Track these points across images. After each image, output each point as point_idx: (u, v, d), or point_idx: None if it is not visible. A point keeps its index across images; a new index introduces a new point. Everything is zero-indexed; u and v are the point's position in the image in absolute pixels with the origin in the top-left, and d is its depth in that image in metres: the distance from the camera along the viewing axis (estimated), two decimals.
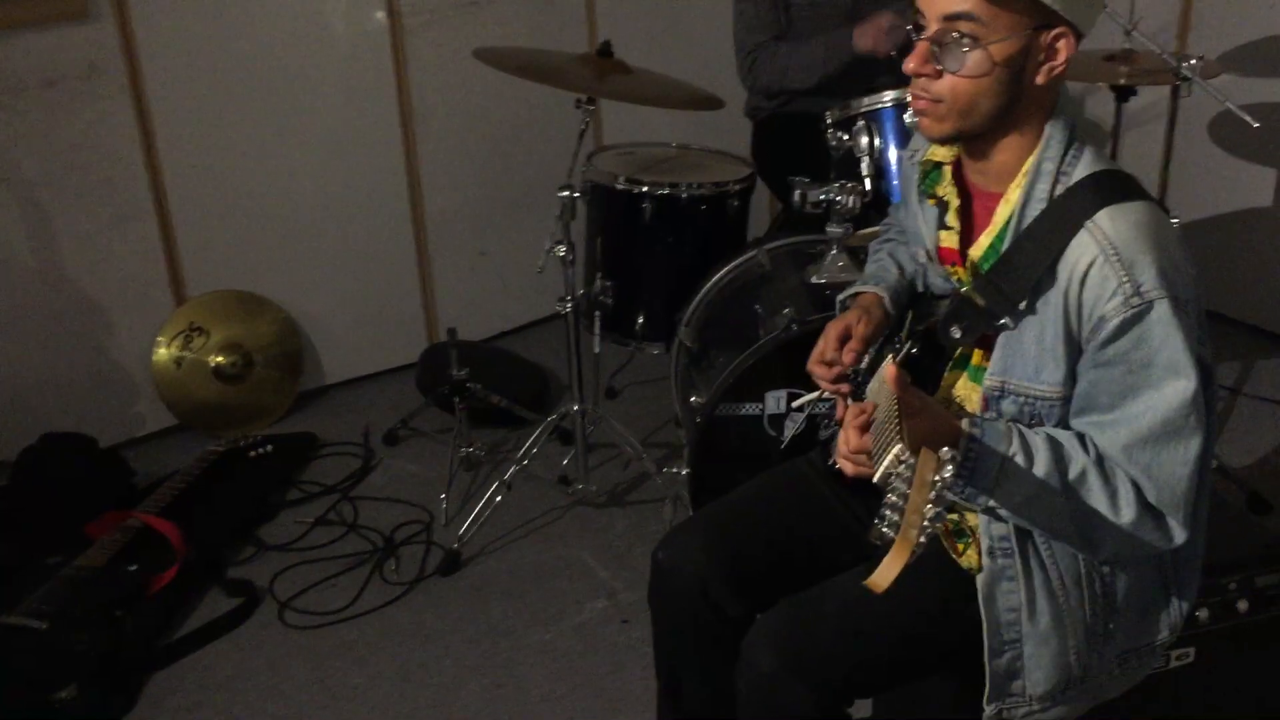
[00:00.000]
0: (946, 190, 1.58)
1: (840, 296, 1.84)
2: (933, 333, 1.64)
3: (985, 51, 1.39)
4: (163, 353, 3.14)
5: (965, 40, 1.38)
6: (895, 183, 2.39)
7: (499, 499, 2.69)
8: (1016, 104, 1.43)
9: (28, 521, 2.66)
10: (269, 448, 3.00)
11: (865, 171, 2.38)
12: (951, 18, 1.38)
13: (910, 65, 1.43)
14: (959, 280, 1.60)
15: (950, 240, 1.59)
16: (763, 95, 3.11)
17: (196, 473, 2.84)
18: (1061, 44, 1.41)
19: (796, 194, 2.32)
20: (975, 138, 1.47)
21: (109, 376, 3.10)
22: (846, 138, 2.41)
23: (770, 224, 3.44)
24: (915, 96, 1.45)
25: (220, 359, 3.18)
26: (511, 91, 3.12)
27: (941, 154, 1.59)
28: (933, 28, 1.40)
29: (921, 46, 1.41)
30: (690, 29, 3.66)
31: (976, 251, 1.52)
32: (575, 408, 2.74)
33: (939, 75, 1.41)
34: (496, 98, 3.38)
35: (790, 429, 2.22)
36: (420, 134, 3.37)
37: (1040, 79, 1.42)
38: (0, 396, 2.93)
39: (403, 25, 3.25)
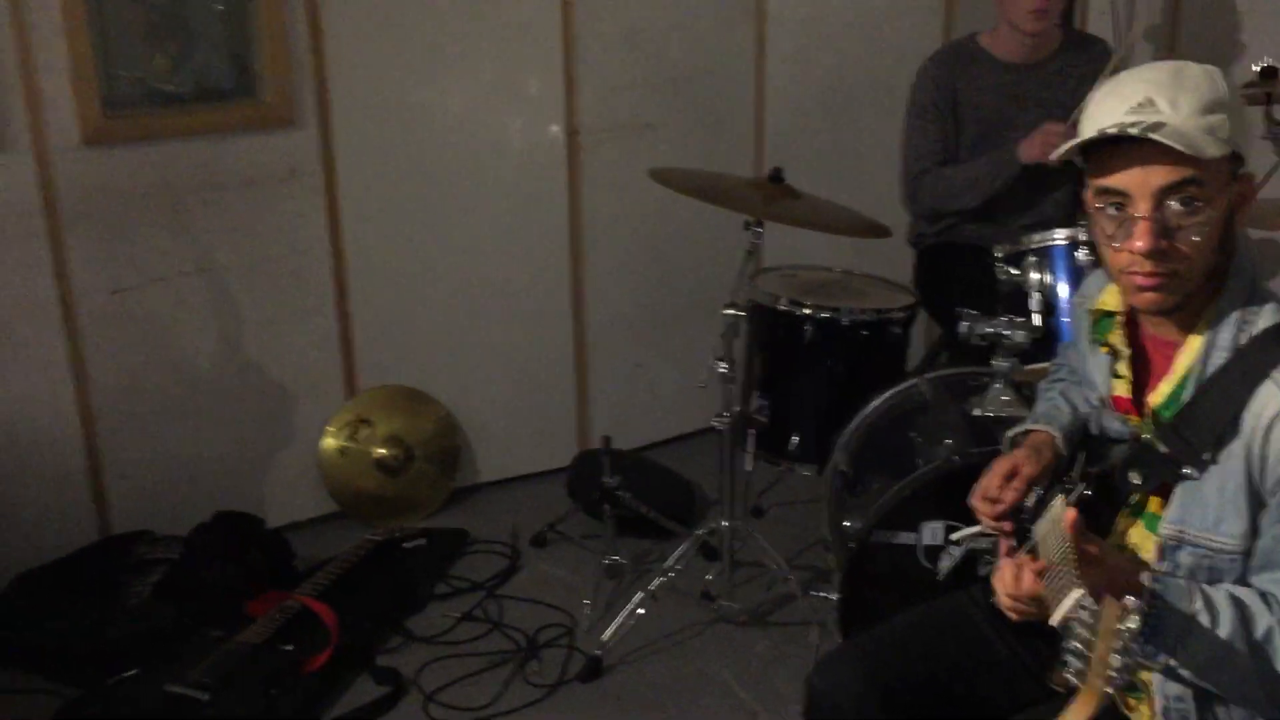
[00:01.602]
0: (1117, 340, 1.58)
1: (1010, 433, 1.83)
2: (1107, 476, 1.62)
3: (1211, 210, 1.39)
4: (330, 441, 3.28)
5: (1195, 205, 1.38)
6: (1065, 321, 2.37)
7: (642, 610, 2.70)
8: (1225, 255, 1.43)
9: (195, 593, 2.78)
10: (422, 540, 3.09)
11: (1034, 308, 2.37)
12: (1175, 187, 1.38)
13: (1142, 245, 1.40)
14: (1137, 426, 1.58)
15: (1122, 389, 1.58)
16: (926, 219, 3.14)
17: (353, 560, 2.94)
18: (1248, 184, 1.41)
19: (963, 325, 2.32)
20: None
21: (279, 460, 3.25)
22: (1016, 272, 2.41)
23: (928, 351, 3.43)
24: (1146, 275, 1.42)
25: (383, 451, 3.31)
26: (678, 210, 3.21)
27: (1112, 303, 1.59)
28: (1148, 204, 1.39)
29: (1144, 226, 1.39)
30: (857, 156, 3.73)
31: (1157, 399, 1.51)
32: (724, 524, 2.76)
33: (1173, 249, 1.40)
34: (663, 215, 3.49)
35: (947, 562, 2.19)
36: (588, 245, 3.49)
37: (1239, 224, 1.42)
38: (178, 472, 3.10)
39: (579, 142, 3.40)
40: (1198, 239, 1.39)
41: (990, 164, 2.91)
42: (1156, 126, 1.37)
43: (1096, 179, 1.45)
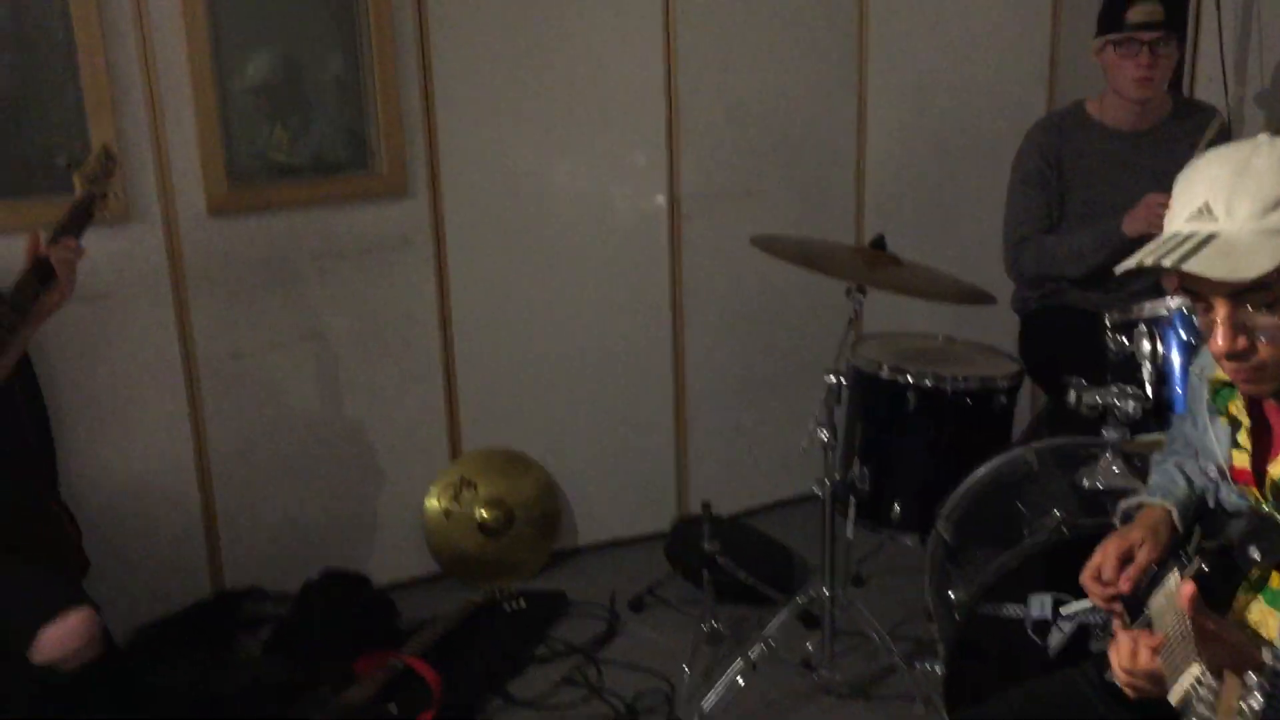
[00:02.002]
0: (1238, 409, 1.55)
1: (1123, 504, 1.79)
2: (1225, 551, 1.58)
3: None
4: (434, 503, 3.34)
5: (1270, 305, 1.36)
6: (1179, 391, 2.33)
7: (741, 678, 2.68)
8: None
9: (303, 650, 2.84)
10: (522, 603, 3.12)
11: (1146, 378, 2.33)
12: (1244, 293, 1.37)
13: (1218, 348, 1.40)
14: (1257, 499, 1.54)
15: (1242, 460, 1.54)
16: (1030, 284, 3.11)
17: (456, 621, 2.97)
18: None
19: (1073, 394, 2.29)
20: None
21: (384, 520, 3.32)
22: (1127, 341, 2.37)
23: (1033, 419, 3.38)
24: (1234, 371, 1.43)
25: (485, 513, 3.35)
26: (779, 276, 3.23)
27: None
28: (1223, 308, 1.39)
29: (1220, 329, 1.39)
30: (959, 223, 3.72)
31: (1277, 469, 1.47)
32: (825, 591, 2.73)
33: (1254, 346, 1.39)
34: (764, 280, 3.51)
35: (1057, 637, 2.14)
36: (689, 310, 3.53)
37: None
38: (289, 530, 3.18)
39: (681, 210, 3.45)
40: (1272, 339, 1.37)
41: (1095, 236, 2.88)
42: (1207, 240, 1.36)
43: (1177, 275, 1.43)
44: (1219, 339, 1.39)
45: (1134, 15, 2.85)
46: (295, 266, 3.07)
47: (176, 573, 3.05)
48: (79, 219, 2.27)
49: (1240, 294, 1.37)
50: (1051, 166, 3.00)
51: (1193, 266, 1.33)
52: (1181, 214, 1.41)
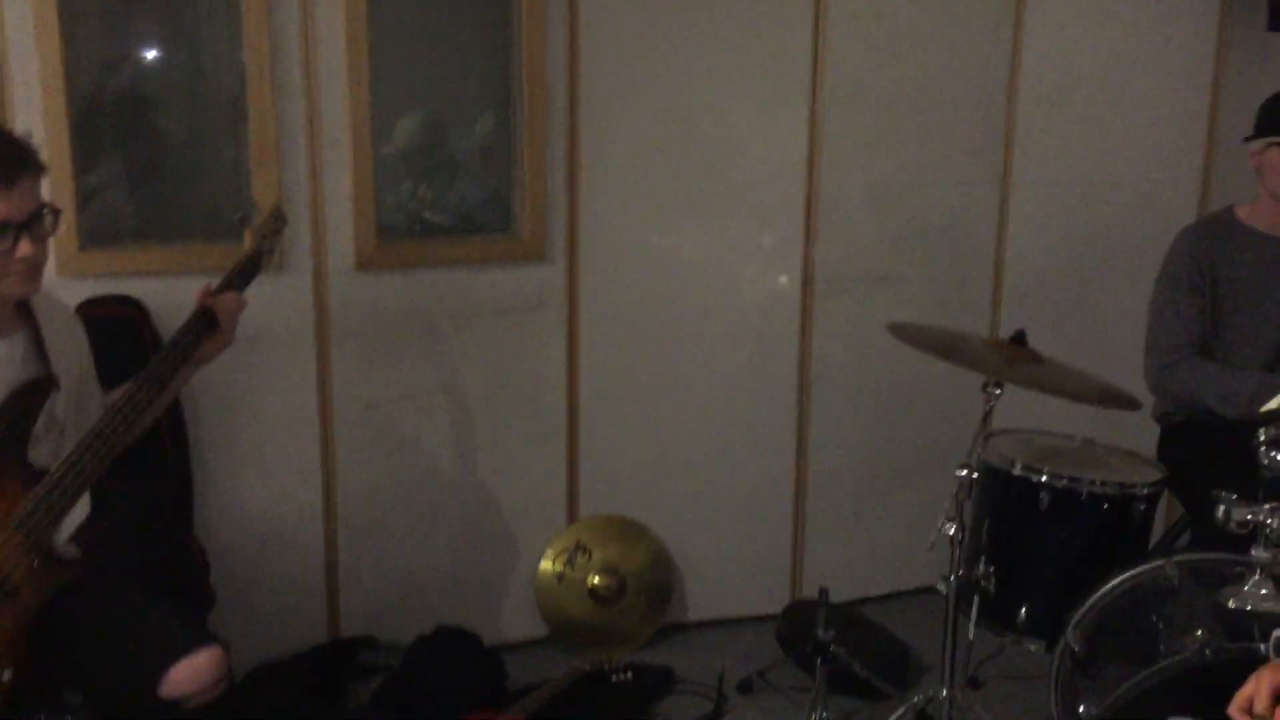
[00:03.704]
0: None
1: (1278, 634, 1.71)
2: None
3: None
4: (548, 566, 3.35)
5: None
6: None
7: None
8: None
9: (412, 704, 2.86)
10: (629, 675, 3.09)
11: None
12: None
13: None
14: None
15: None
16: (1172, 401, 3.01)
17: (562, 687, 2.96)
18: None
19: (1221, 510, 2.19)
20: None
21: (498, 580, 3.34)
22: None
23: (1168, 530, 3.25)
24: None
25: (598, 580, 3.35)
26: (911, 364, 3.19)
27: None
28: None
29: None
30: (1099, 322, 3.64)
31: None
32: (944, 693, 2.65)
33: None
34: (895, 367, 3.47)
35: None
36: (816, 391, 3.50)
37: None
38: (406, 582, 3.22)
39: (814, 292, 3.44)
40: None
41: (1257, 384, 2.76)
42: None
43: None
44: None
45: None
46: (433, 322, 3.14)
47: (296, 615, 3.11)
48: (246, 272, 2.37)
49: None
50: (1203, 273, 2.91)
51: None
52: None
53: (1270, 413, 1.36)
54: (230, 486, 3.01)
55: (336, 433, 3.09)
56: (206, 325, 2.24)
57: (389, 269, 3.08)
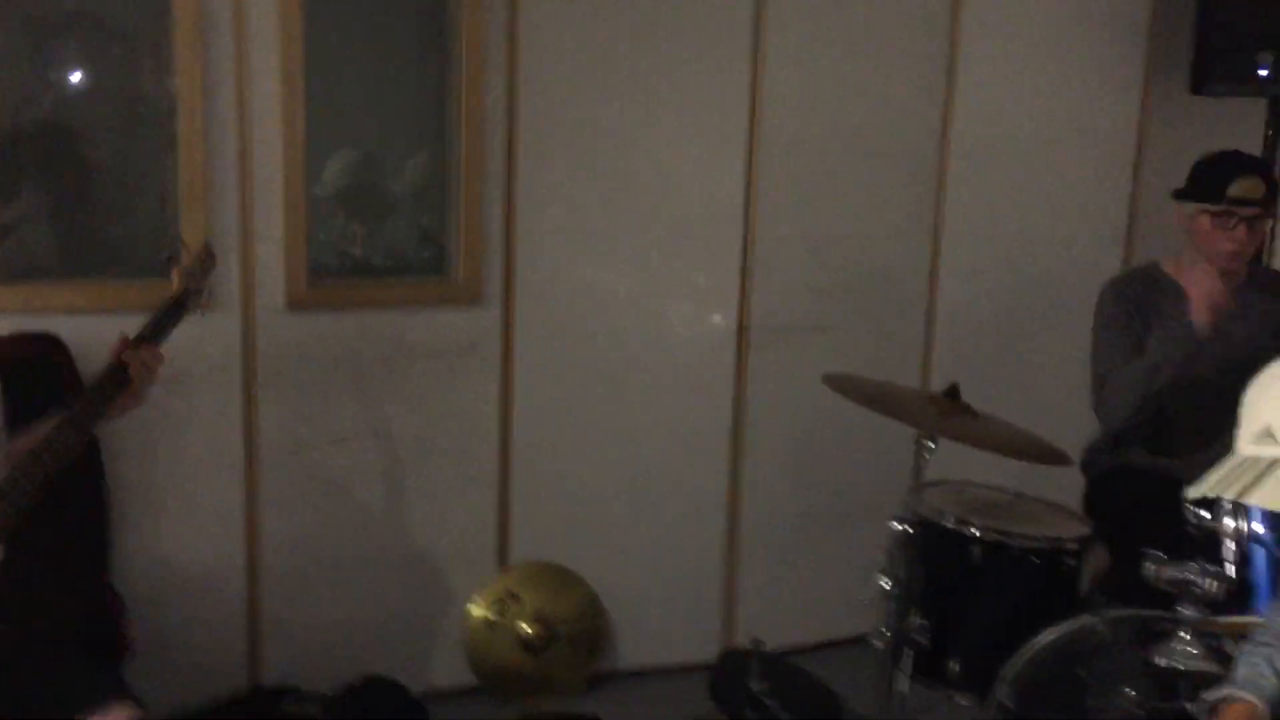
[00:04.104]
0: None
1: (1207, 696, 1.73)
2: None
3: None
4: (478, 613, 3.28)
5: None
6: (1262, 579, 2.26)
7: None
8: None
9: None
10: None
11: (1228, 557, 2.26)
12: None
13: None
14: None
15: None
16: (1102, 440, 3.07)
17: None
18: None
19: (1150, 568, 2.22)
20: None
21: (427, 627, 3.27)
22: (1208, 516, 2.31)
23: (1093, 581, 3.29)
24: None
25: (528, 628, 3.29)
26: (844, 414, 3.20)
27: None
28: None
29: None
30: (1027, 377, 3.69)
31: None
32: None
33: None
34: (828, 418, 3.45)
35: None
36: (749, 440, 3.50)
37: None
38: (331, 630, 3.15)
39: (749, 340, 3.45)
40: None
41: (1161, 342, 2.86)
42: (1270, 467, 1.37)
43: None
44: None
45: (1236, 189, 2.84)
46: (364, 366, 3.09)
47: (216, 664, 3.02)
48: (171, 315, 2.29)
49: None
50: (1133, 315, 2.98)
51: (1254, 499, 1.33)
52: (1246, 436, 1.40)
53: (1198, 499, 1.41)
54: (150, 531, 2.92)
55: (262, 476, 3.01)
56: (119, 383, 2.15)
57: (320, 309, 3.02)
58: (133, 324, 2.26)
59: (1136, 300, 3.00)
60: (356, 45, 3.16)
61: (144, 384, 2.19)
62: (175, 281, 2.33)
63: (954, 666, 2.67)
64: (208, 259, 2.47)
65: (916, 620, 2.70)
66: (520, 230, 3.18)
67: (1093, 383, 3.05)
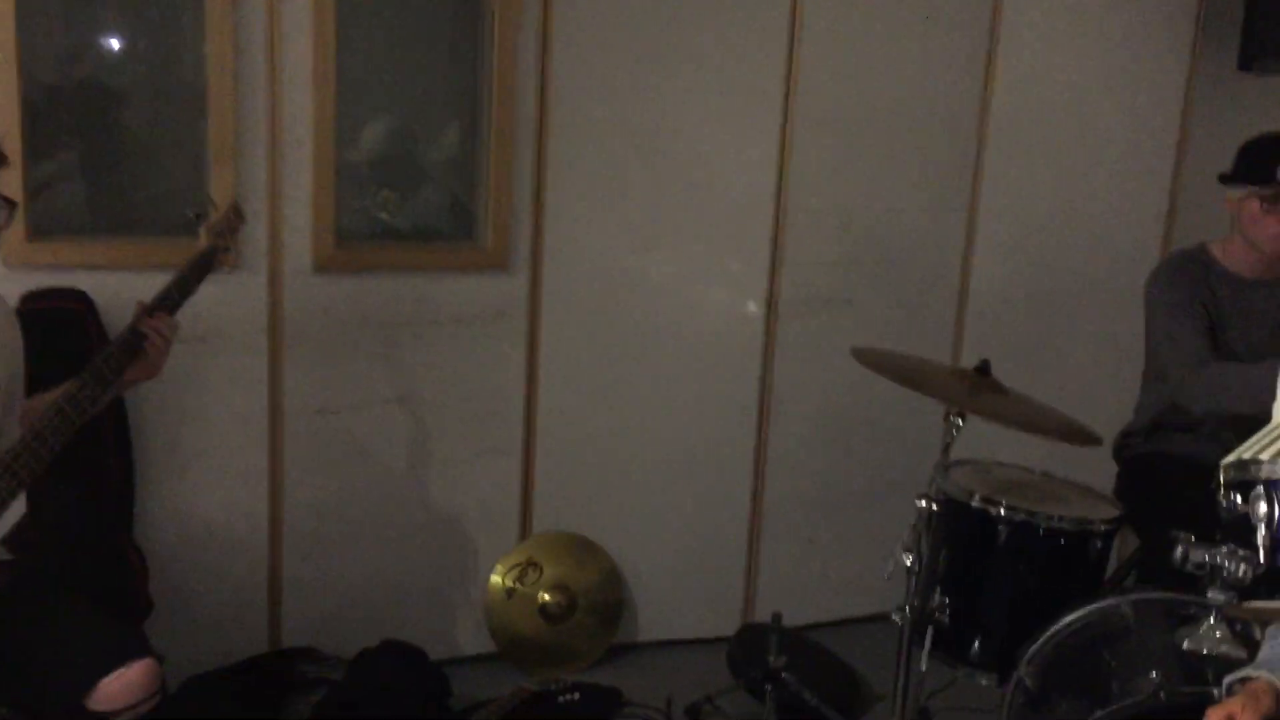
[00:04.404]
0: None
1: (1229, 679, 1.70)
2: None
3: None
4: (498, 581, 3.29)
5: None
6: None
7: None
8: None
9: (353, 717, 2.78)
10: (576, 696, 3.03)
11: (1261, 542, 2.21)
12: None
13: None
14: None
15: None
16: (1143, 429, 3.01)
17: (509, 707, 2.89)
18: None
19: (1179, 550, 2.18)
20: None
21: (447, 594, 3.27)
22: (1241, 501, 2.26)
23: (1122, 565, 3.25)
24: None
25: (548, 597, 3.30)
26: (873, 389, 3.17)
27: None
28: None
29: None
30: (1061, 354, 3.64)
31: None
32: None
33: None
34: (856, 393, 3.45)
35: None
36: (775, 414, 3.47)
37: None
38: (352, 594, 3.15)
39: (778, 312, 3.42)
40: None
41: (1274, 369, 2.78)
42: None
43: None
44: None
45: None
46: (391, 330, 3.08)
47: (236, 625, 3.03)
48: (196, 272, 2.28)
49: None
50: (1200, 299, 2.88)
51: None
52: None
53: (1229, 465, 1.36)
54: (173, 490, 2.93)
55: (287, 438, 3.02)
56: (133, 349, 2.14)
57: (347, 272, 3.01)
58: (161, 281, 2.25)
59: (1194, 282, 2.91)
60: (391, 13, 3.14)
61: (159, 355, 2.17)
62: (202, 238, 2.33)
63: (975, 645, 2.65)
64: (235, 217, 2.47)
65: (939, 598, 2.68)
66: (550, 201, 3.16)
67: (1176, 363, 2.88)
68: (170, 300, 2.22)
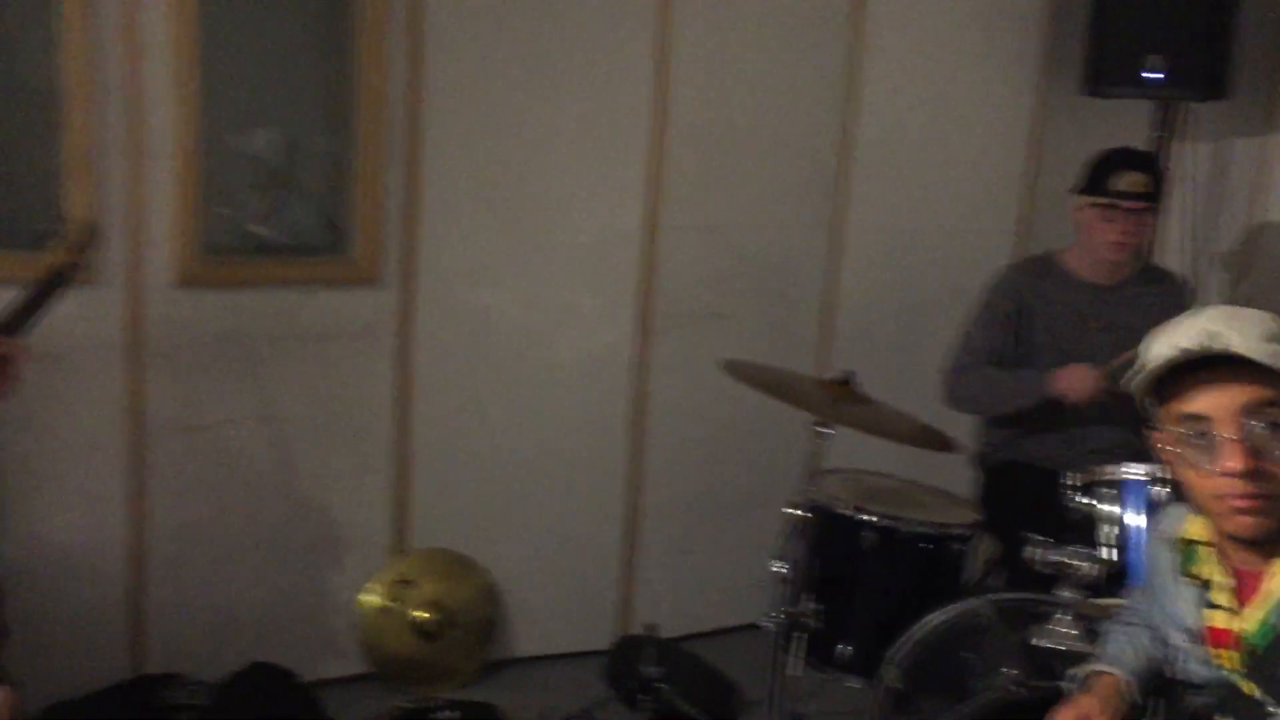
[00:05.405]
0: (1213, 569, 1.54)
1: (1074, 671, 1.78)
2: None
3: None
4: (371, 599, 3.24)
5: (1278, 426, 1.39)
6: (1137, 558, 2.32)
7: None
8: None
9: None
10: (453, 714, 3.00)
11: (1104, 540, 2.33)
12: (1255, 408, 1.40)
13: (1234, 465, 1.40)
14: (1224, 667, 1.52)
15: (1223, 620, 1.53)
16: (992, 432, 3.13)
17: None
18: None
19: (1029, 550, 2.28)
20: None
21: (320, 614, 3.21)
22: (1087, 502, 2.38)
23: (983, 567, 3.36)
24: (1242, 497, 1.42)
25: (423, 615, 3.26)
26: (743, 401, 3.23)
27: (1198, 533, 1.56)
28: (1233, 425, 1.40)
29: (1234, 446, 1.40)
30: (924, 364, 3.73)
31: (1248, 625, 1.46)
32: None
33: (1263, 469, 1.40)
34: (728, 405, 3.49)
35: None
36: (650, 427, 3.50)
37: None
38: (219, 616, 3.07)
39: (653, 328, 3.45)
40: None
41: (1019, 382, 2.96)
42: (1220, 351, 1.40)
43: (1175, 405, 1.46)
44: (1230, 458, 1.40)
45: (1121, 183, 2.93)
46: (255, 346, 3.02)
47: (96, 650, 2.93)
48: (45, 292, 2.20)
49: (1249, 410, 1.39)
50: (1016, 307, 3.06)
51: (1238, 350, 1.37)
52: (1183, 341, 1.43)
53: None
54: (26, 511, 2.82)
55: (149, 458, 2.93)
56: None
57: (212, 287, 2.95)
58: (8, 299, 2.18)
59: (1028, 291, 3.07)
60: (256, 23, 3.09)
61: (6, 380, 2.09)
62: (51, 255, 2.25)
63: (845, 650, 2.71)
64: (89, 233, 2.39)
65: (809, 604, 2.74)
66: (423, 215, 3.14)
67: (948, 363, 3.11)
68: (16, 322, 2.14)
